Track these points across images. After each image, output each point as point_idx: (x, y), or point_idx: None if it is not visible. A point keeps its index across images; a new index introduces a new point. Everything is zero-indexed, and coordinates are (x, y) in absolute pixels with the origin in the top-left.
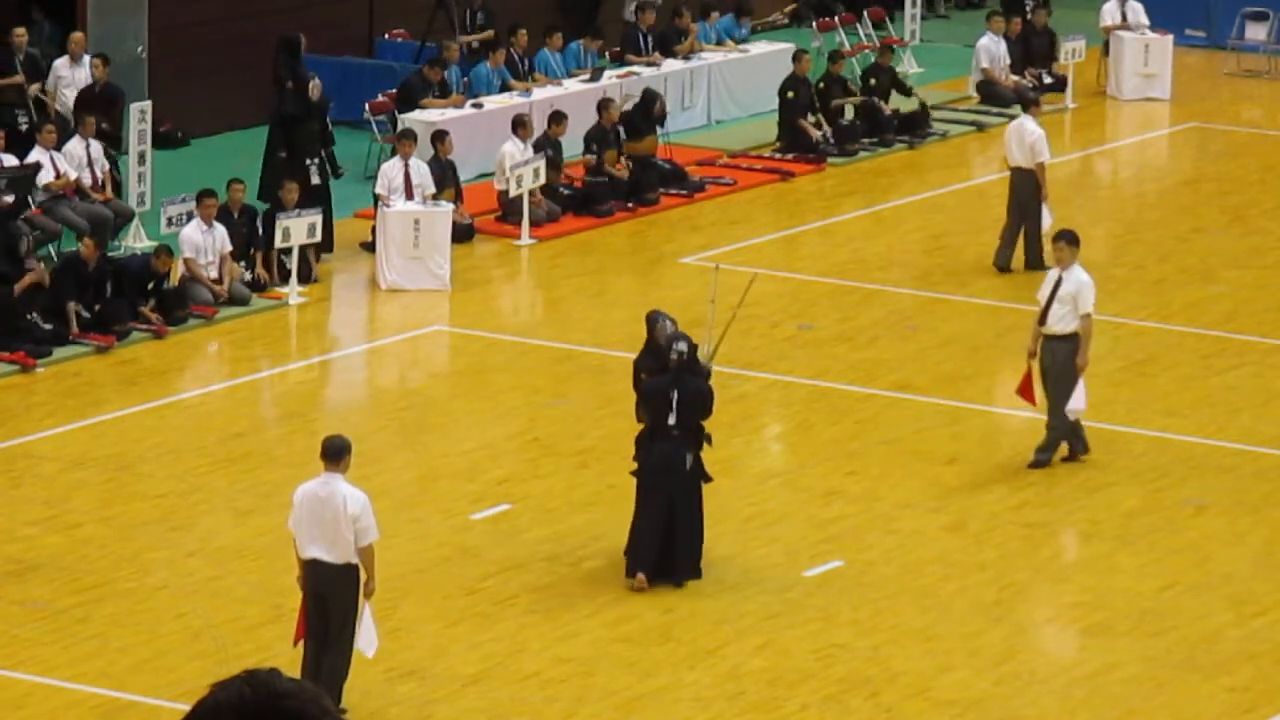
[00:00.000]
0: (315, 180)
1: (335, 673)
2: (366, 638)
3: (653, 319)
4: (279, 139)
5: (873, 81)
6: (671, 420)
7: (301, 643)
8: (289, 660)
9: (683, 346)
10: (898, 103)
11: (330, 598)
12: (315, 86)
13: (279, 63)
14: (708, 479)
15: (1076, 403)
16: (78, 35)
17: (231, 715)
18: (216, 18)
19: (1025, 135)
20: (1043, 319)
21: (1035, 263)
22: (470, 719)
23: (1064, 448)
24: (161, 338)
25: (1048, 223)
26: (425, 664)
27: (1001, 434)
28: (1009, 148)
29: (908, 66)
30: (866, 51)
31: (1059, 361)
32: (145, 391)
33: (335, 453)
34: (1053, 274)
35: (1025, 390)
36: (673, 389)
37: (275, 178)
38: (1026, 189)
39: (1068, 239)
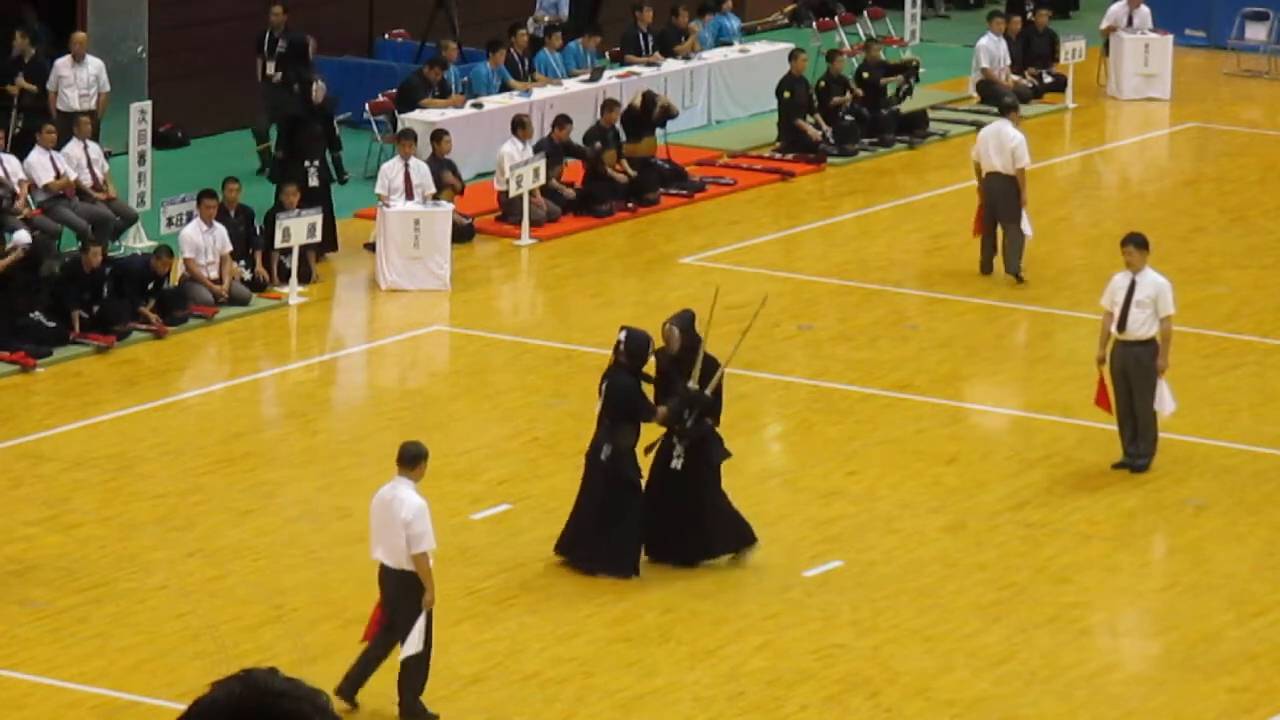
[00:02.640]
0: (313, 183)
1: (408, 678)
2: (411, 642)
3: (644, 339)
4: (282, 140)
5: (865, 75)
6: (598, 409)
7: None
8: (289, 661)
9: (620, 335)
10: (894, 89)
11: (391, 601)
12: (318, 89)
13: (287, 65)
14: (625, 476)
15: (1165, 404)
16: (80, 35)
17: (223, 714)
18: (216, 18)
19: (1005, 140)
20: (1121, 325)
21: (1015, 270)
22: (470, 719)
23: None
24: (161, 338)
25: (1029, 231)
26: None
27: (1001, 434)
28: (984, 153)
29: None
30: (864, 51)
31: (1142, 366)
32: (145, 391)
33: (409, 459)
34: (1120, 279)
35: (1102, 399)
36: (604, 380)
37: (275, 175)
38: (1004, 194)
39: (1136, 242)
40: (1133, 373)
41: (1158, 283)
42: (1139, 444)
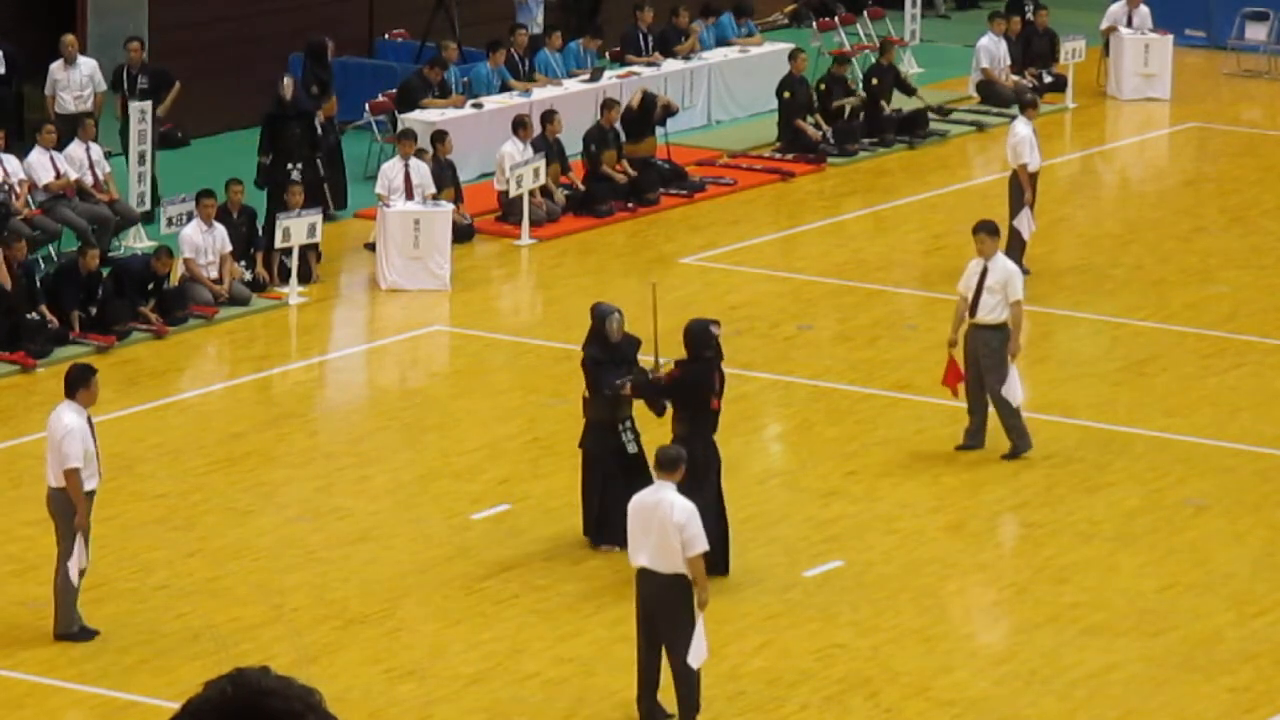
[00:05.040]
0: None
1: (685, 680)
2: (695, 650)
3: (604, 312)
4: (264, 143)
5: (874, 81)
6: None
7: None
8: (289, 661)
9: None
10: (900, 103)
11: (658, 608)
12: (285, 86)
13: (304, 66)
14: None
15: (1014, 392)
16: (69, 37)
17: (215, 713)
18: (216, 18)
19: (1011, 136)
20: (973, 310)
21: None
22: (470, 719)
23: (1005, 444)
24: (161, 338)
25: (1029, 228)
26: (425, 664)
27: (1001, 434)
28: (1007, 149)
29: (908, 66)
30: (867, 51)
31: (993, 351)
32: (145, 391)
33: (670, 463)
34: (974, 265)
35: (950, 379)
36: None
37: (262, 180)
38: (1011, 190)
39: (988, 230)
40: (983, 357)
41: (1007, 269)
42: (1011, 435)
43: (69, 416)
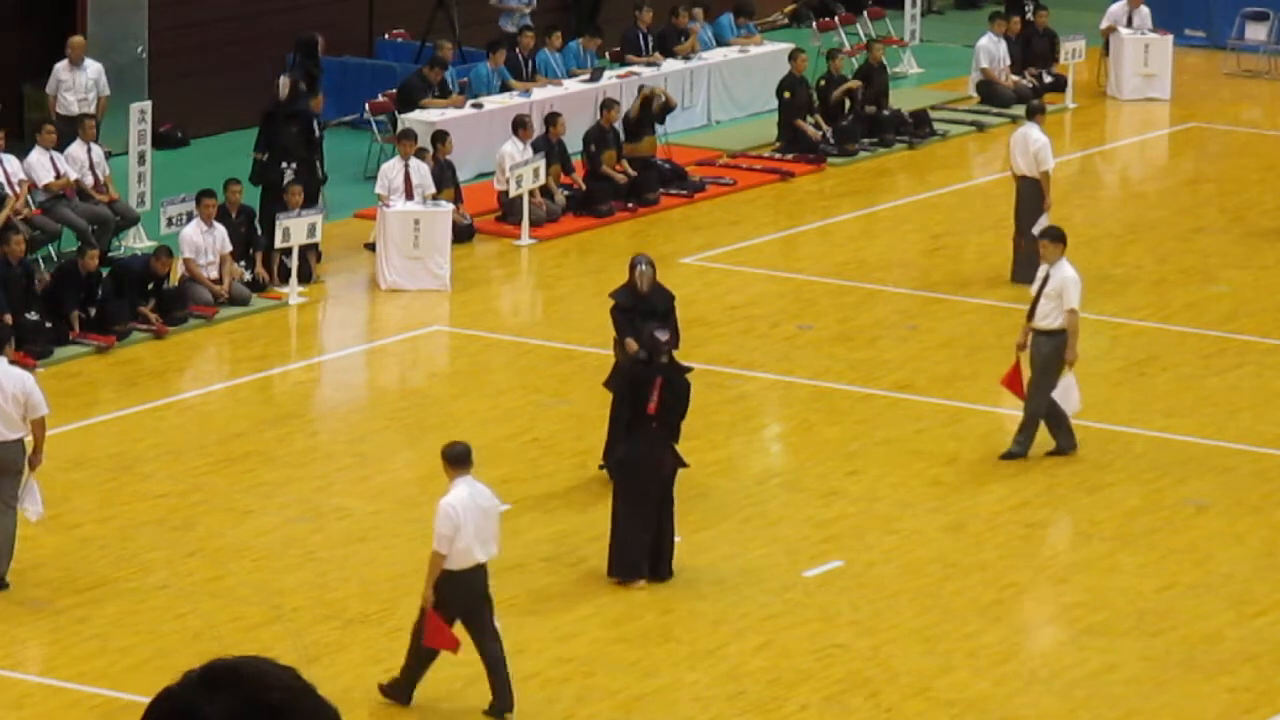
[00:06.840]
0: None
1: (501, 662)
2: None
3: (634, 261)
4: (261, 141)
5: (865, 90)
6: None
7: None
8: (286, 662)
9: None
10: (900, 102)
11: (487, 598)
12: (282, 84)
13: (294, 62)
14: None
15: (1070, 400)
16: (77, 39)
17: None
18: (216, 18)
19: (1030, 143)
20: (1031, 314)
21: (1022, 275)
22: (470, 719)
23: (1049, 441)
24: (161, 338)
25: None
26: None
27: (1001, 434)
28: (1012, 156)
29: (907, 66)
30: (865, 51)
31: (1044, 355)
32: (145, 391)
33: (463, 458)
34: (1042, 270)
35: (1012, 381)
36: None
37: (257, 177)
38: (1029, 197)
39: (1051, 236)
40: (1035, 361)
41: (1066, 276)
42: (1020, 433)
43: (16, 369)
